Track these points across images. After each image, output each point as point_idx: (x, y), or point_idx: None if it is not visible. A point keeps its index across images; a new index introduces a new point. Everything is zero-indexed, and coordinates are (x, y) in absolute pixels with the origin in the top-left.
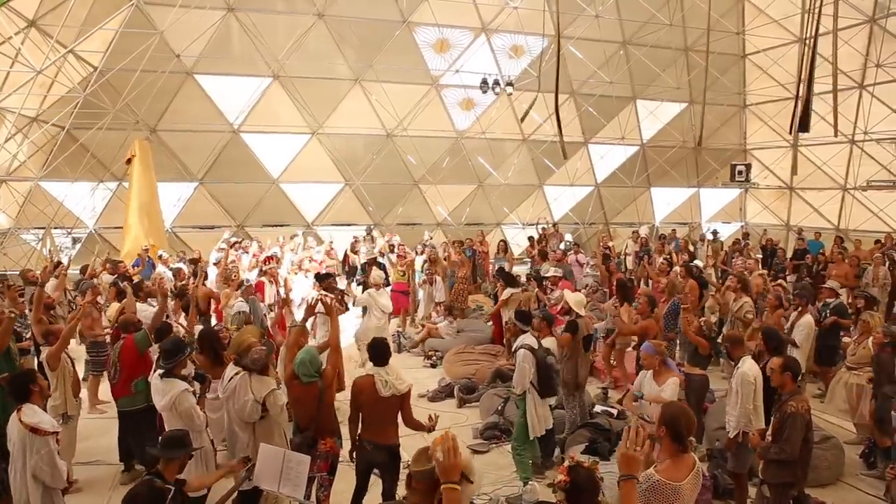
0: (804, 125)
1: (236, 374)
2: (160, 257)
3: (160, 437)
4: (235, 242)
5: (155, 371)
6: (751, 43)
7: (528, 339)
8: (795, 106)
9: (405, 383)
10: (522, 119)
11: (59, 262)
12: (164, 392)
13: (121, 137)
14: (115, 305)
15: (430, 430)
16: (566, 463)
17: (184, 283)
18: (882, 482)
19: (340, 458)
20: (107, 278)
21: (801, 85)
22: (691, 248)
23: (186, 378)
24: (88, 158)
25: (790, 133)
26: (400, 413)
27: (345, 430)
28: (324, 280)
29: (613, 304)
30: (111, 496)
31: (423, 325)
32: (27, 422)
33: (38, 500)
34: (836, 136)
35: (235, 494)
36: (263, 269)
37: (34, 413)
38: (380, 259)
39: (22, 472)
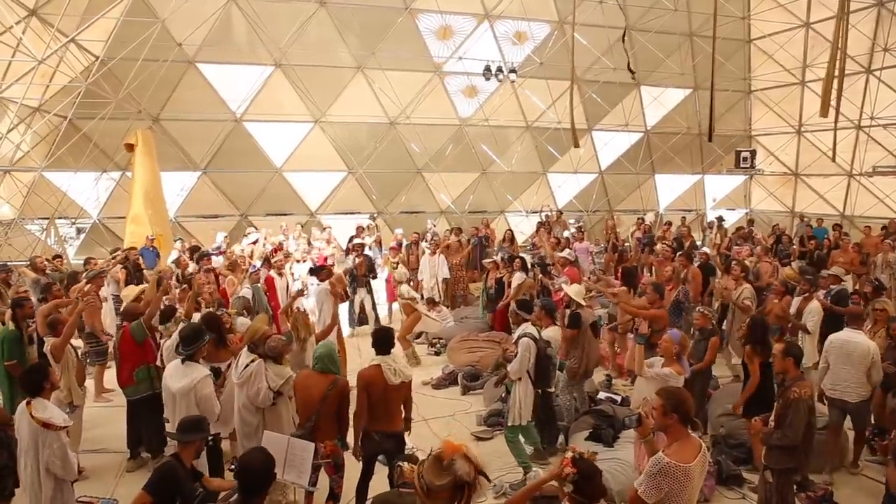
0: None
1: (252, 360)
2: (175, 243)
3: (179, 422)
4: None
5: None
6: (756, 27)
7: (529, 328)
8: (828, 87)
9: (409, 368)
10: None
11: (59, 256)
12: (185, 375)
13: (123, 127)
14: (133, 288)
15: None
16: (568, 455)
17: (190, 273)
18: (885, 467)
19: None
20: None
21: (833, 66)
22: (695, 234)
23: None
24: (91, 148)
25: (822, 116)
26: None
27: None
28: (319, 273)
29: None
30: (117, 483)
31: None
32: (39, 417)
33: (50, 492)
34: (825, 115)
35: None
36: (272, 261)
37: (45, 408)
38: (367, 251)
39: (34, 465)
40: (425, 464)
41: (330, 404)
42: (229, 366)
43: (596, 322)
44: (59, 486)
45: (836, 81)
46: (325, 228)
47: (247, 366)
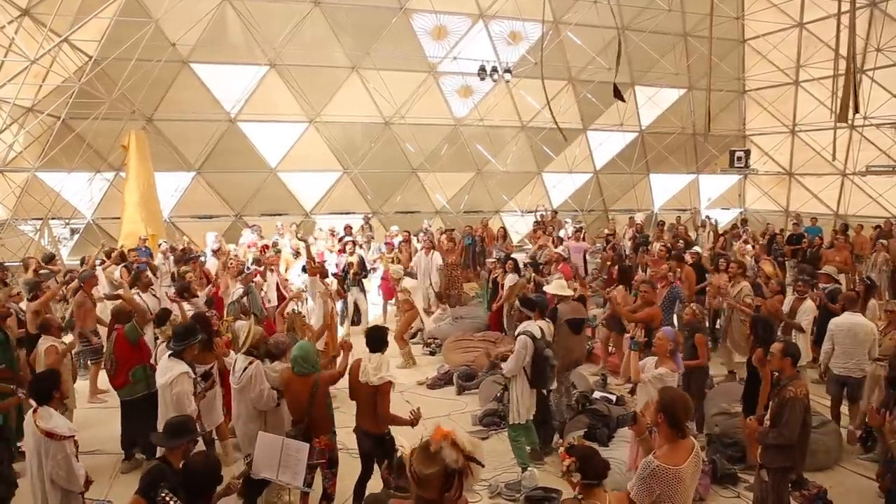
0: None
1: (250, 363)
2: (159, 246)
3: (164, 425)
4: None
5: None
6: (750, 28)
7: (531, 326)
8: (847, 84)
9: (379, 375)
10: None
11: (53, 256)
12: (167, 370)
13: (117, 127)
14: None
15: (414, 424)
16: (561, 450)
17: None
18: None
19: (340, 446)
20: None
21: (850, 63)
22: (692, 234)
23: (192, 367)
24: (85, 148)
25: (834, 113)
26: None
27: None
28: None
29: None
30: (112, 485)
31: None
32: (42, 426)
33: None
34: (845, 120)
35: (241, 482)
36: (262, 259)
37: (50, 417)
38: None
39: (38, 473)
40: (415, 452)
41: (319, 404)
42: (211, 368)
43: (583, 319)
44: (66, 497)
45: (839, 80)
46: (331, 230)
47: (245, 369)
